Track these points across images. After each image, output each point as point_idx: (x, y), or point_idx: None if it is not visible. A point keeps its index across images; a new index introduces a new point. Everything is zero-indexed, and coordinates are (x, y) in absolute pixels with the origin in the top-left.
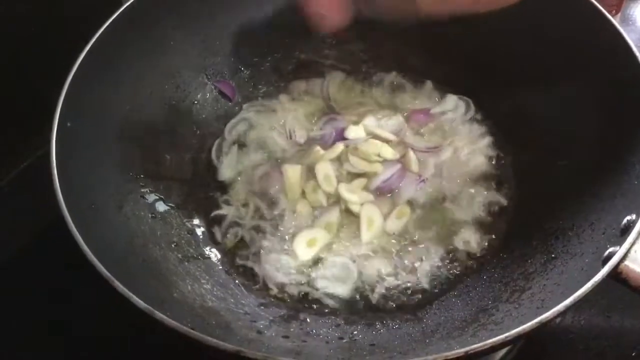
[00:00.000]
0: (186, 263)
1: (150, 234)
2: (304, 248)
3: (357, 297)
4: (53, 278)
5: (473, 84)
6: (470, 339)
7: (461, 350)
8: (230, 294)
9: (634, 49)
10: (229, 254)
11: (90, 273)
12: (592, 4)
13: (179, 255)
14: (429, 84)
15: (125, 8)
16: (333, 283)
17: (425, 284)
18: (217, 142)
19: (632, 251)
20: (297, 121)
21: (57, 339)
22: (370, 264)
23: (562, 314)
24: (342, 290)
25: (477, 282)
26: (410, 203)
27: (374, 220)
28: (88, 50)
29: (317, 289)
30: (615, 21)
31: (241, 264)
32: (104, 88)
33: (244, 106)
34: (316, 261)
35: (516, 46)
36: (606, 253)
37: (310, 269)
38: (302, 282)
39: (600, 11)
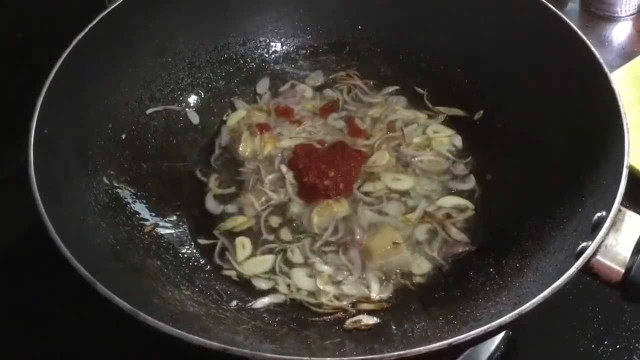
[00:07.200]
0: (165, 270)
1: (129, 241)
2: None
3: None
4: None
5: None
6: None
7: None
8: (211, 299)
9: (596, 53)
10: (209, 260)
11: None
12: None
13: (158, 262)
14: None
15: (103, 15)
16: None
17: (412, 287)
18: (197, 151)
19: (603, 246)
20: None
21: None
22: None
23: (536, 308)
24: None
25: (457, 281)
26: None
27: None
28: (64, 59)
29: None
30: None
31: (221, 265)
32: (81, 96)
33: (224, 117)
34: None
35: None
36: (579, 248)
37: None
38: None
39: (567, 24)
